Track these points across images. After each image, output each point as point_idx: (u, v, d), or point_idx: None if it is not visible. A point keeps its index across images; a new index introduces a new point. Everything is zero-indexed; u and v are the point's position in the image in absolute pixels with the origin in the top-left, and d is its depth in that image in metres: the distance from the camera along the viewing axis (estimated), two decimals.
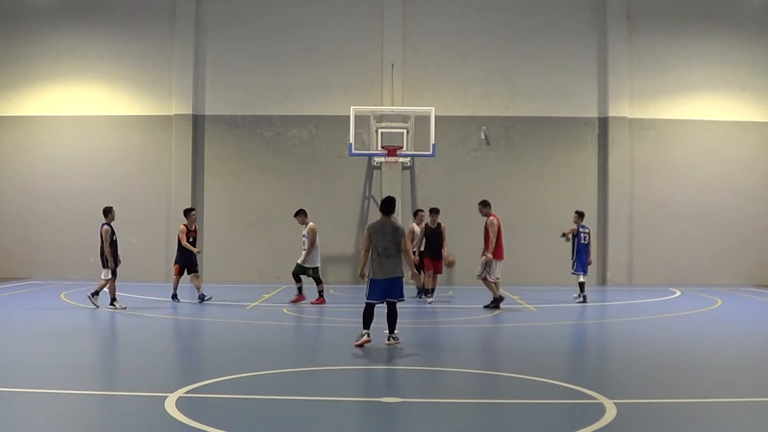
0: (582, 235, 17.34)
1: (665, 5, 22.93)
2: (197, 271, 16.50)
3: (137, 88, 22.82)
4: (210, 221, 22.69)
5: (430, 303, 16.26)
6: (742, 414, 7.12)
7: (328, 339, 11.95)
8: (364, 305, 10.45)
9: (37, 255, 22.58)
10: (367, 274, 10.58)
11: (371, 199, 22.54)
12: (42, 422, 6.52)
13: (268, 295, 17.49)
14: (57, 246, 22.47)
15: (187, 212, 16.72)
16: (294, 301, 15.97)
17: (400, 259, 10.46)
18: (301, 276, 16.10)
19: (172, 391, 7.34)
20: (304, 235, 16.19)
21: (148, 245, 22.34)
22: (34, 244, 22.63)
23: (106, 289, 15.44)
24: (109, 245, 14.67)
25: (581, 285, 17.07)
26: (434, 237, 16.68)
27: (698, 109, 22.84)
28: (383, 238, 10.39)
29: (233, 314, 14.49)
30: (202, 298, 16.04)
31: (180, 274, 16.33)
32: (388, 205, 10.65)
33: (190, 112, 22.54)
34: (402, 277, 10.49)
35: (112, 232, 14.79)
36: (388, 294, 10.39)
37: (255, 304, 16.02)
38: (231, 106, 22.77)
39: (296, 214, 16.41)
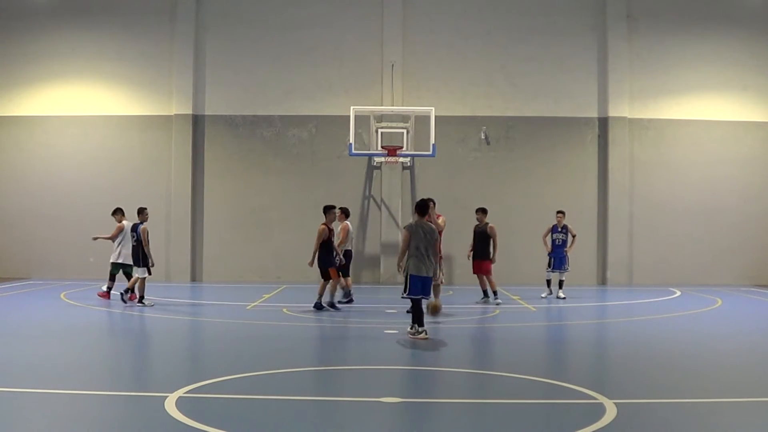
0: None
1: (665, 5, 22.92)
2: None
3: (137, 88, 22.82)
4: (210, 221, 22.69)
5: (497, 303, 15.97)
6: (742, 414, 7.12)
7: (328, 339, 11.96)
8: (411, 302, 11.17)
9: (37, 255, 22.57)
10: (403, 269, 11.15)
11: (371, 199, 22.54)
12: (42, 422, 6.52)
13: (268, 295, 17.48)
14: (57, 246, 22.46)
15: (327, 209, 14.88)
16: (129, 299, 15.72)
17: (434, 260, 11.17)
18: (125, 274, 16.04)
19: (172, 391, 7.34)
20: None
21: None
22: (34, 244, 22.62)
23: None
24: (147, 244, 15.07)
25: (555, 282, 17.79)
26: (479, 237, 16.27)
27: (698, 109, 22.84)
28: (422, 239, 11.02)
29: (233, 314, 14.48)
30: (320, 306, 14.59)
31: (338, 276, 14.82)
32: (421, 207, 11.31)
33: (190, 112, 22.53)
34: (431, 278, 11.23)
35: (147, 231, 15.24)
36: (423, 290, 11.09)
37: (255, 304, 16.01)
38: (231, 106, 22.76)
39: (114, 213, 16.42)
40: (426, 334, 10.96)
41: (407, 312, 14.12)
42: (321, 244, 14.54)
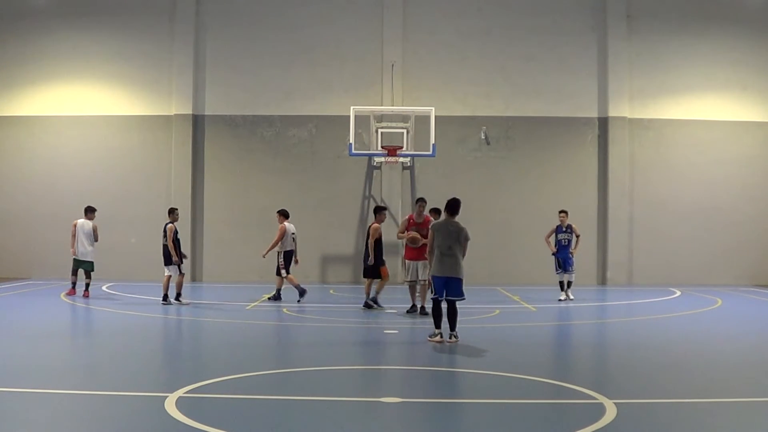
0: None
1: (665, 5, 22.92)
2: None
3: (137, 88, 22.82)
4: (210, 221, 22.68)
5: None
6: (742, 414, 7.12)
7: (328, 339, 11.95)
8: (433, 302, 10.95)
9: (37, 255, 22.57)
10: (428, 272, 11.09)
11: (371, 199, 22.53)
12: (42, 422, 6.52)
13: (268, 295, 17.48)
14: (57, 246, 22.37)
15: (379, 210, 15.43)
16: (84, 296, 16.66)
17: (461, 260, 10.82)
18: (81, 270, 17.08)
19: (172, 391, 7.34)
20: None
21: (148, 245, 22.29)
22: (34, 244, 22.62)
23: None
24: (173, 242, 15.44)
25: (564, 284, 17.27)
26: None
27: (698, 109, 22.84)
28: (448, 238, 10.73)
29: (233, 314, 14.48)
30: (376, 302, 15.07)
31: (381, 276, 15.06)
32: (452, 206, 10.99)
33: (190, 112, 22.53)
34: (461, 279, 10.80)
35: (176, 230, 15.64)
36: (447, 292, 10.75)
37: (255, 304, 16.02)
38: (231, 106, 22.76)
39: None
40: (441, 337, 10.73)
41: (406, 312, 14.15)
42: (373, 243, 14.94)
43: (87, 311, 14.75)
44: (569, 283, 17.20)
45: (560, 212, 17.46)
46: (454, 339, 10.75)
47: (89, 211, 17.44)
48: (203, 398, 7.36)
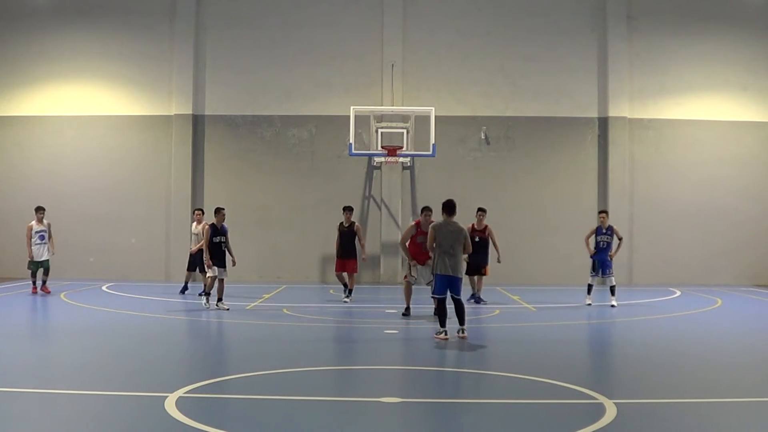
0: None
1: (665, 5, 22.92)
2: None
3: (137, 88, 22.80)
4: (210, 221, 22.63)
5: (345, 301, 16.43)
6: (742, 414, 7.12)
7: (328, 339, 11.95)
8: (436, 302, 11.10)
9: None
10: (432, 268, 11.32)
11: (371, 199, 22.54)
12: (42, 422, 6.52)
13: (268, 295, 17.49)
14: (57, 246, 22.37)
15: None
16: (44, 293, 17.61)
17: (462, 259, 11.13)
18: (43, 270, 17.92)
19: (172, 391, 7.34)
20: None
21: (148, 245, 22.34)
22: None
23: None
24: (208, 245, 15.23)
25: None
26: (347, 237, 16.69)
27: (698, 109, 22.83)
28: (448, 237, 11.00)
29: (233, 314, 14.48)
30: (479, 299, 16.41)
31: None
32: (450, 207, 11.26)
33: (190, 112, 22.53)
34: (461, 278, 11.09)
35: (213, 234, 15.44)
36: (451, 290, 10.99)
37: (255, 304, 16.02)
38: (231, 106, 22.75)
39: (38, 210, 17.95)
40: (446, 334, 10.93)
41: (402, 315, 13.93)
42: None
43: (87, 311, 14.74)
44: (612, 288, 16.22)
45: (600, 213, 16.76)
46: (462, 334, 10.93)
47: (36, 211, 18.01)
48: (203, 398, 7.36)
